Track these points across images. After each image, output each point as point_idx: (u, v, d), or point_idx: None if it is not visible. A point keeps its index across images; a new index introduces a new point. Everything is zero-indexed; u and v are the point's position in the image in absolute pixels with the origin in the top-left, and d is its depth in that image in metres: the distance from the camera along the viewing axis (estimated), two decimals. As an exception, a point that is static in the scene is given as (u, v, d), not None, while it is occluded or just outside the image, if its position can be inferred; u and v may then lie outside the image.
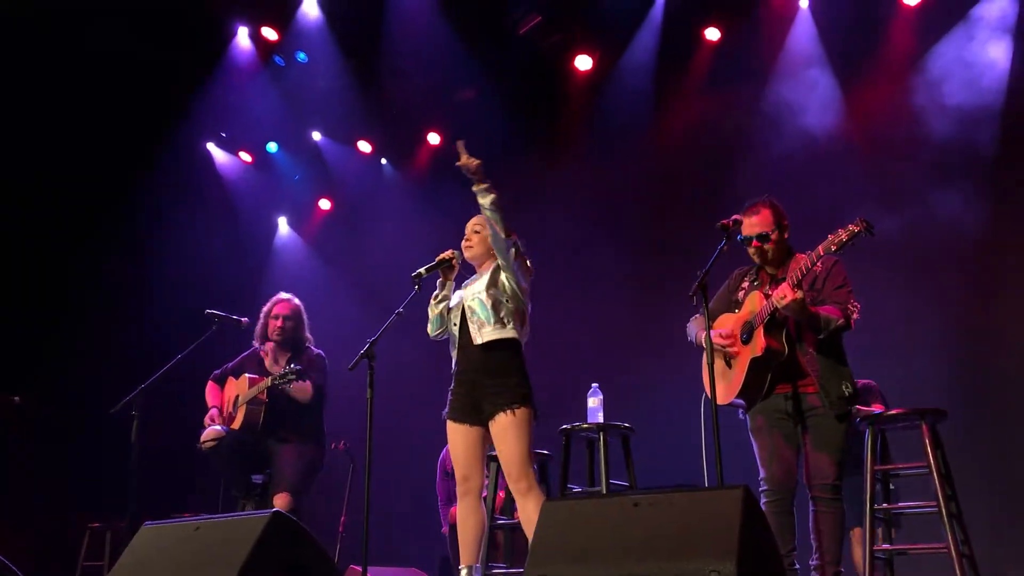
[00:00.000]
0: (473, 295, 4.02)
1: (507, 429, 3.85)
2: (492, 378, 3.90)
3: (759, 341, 3.83)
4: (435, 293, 4.15)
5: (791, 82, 7.00)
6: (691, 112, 7.42)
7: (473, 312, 3.97)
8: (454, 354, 4.09)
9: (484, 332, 3.93)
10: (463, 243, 4.15)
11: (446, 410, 4.05)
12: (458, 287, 4.19)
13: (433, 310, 4.14)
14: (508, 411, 3.85)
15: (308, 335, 5.42)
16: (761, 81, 7.12)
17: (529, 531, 3.76)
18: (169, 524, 3.56)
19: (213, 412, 5.28)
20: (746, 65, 7.17)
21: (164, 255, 7.65)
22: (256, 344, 5.40)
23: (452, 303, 4.13)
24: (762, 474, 3.91)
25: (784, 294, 3.68)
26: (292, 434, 5.16)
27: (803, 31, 7.03)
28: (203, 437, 5.12)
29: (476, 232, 4.14)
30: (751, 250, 4.01)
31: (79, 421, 6.93)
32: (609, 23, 7.36)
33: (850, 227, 3.63)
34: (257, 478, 5.16)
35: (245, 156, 8.74)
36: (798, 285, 3.74)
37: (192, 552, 3.24)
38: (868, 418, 4.13)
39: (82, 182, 7.34)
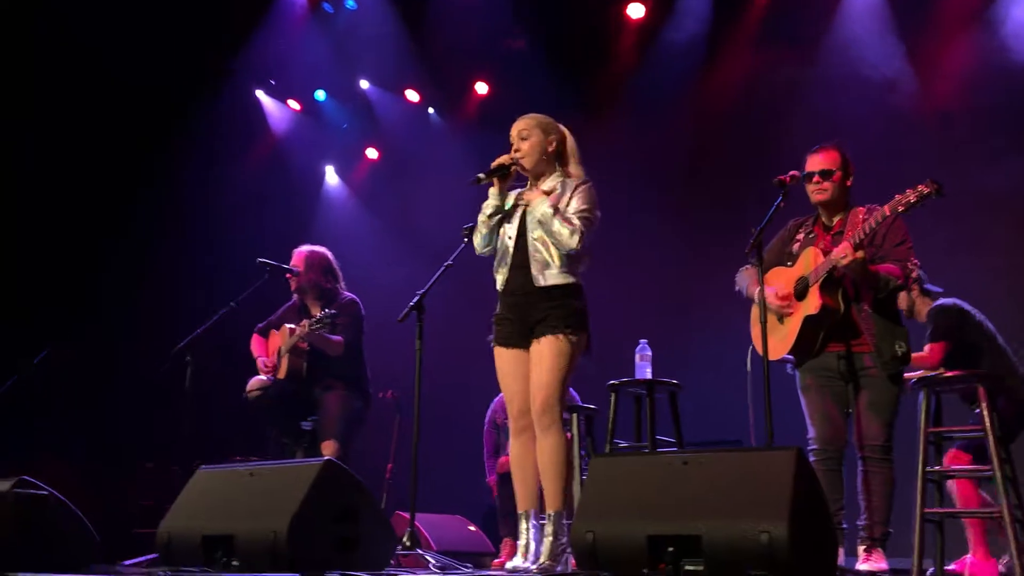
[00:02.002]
0: (536, 224, 3.61)
1: (548, 353, 3.51)
2: (550, 300, 3.57)
3: (815, 299, 3.76)
4: (487, 203, 3.73)
5: (850, 33, 6.79)
6: (745, 64, 7.25)
7: (537, 249, 3.60)
8: (503, 272, 3.69)
9: (548, 275, 3.59)
10: (514, 153, 3.73)
11: (492, 336, 3.73)
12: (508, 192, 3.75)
13: (485, 225, 3.73)
14: (560, 334, 3.50)
15: (338, 283, 5.35)
16: (819, 32, 6.92)
17: (545, 474, 3.53)
18: (223, 469, 3.63)
19: (261, 361, 5.34)
20: (803, 15, 6.96)
21: (214, 202, 7.71)
22: (296, 296, 5.45)
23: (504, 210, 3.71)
24: (811, 432, 3.88)
25: (845, 253, 3.60)
26: (337, 381, 5.21)
27: (865, -19, 6.81)
28: (248, 387, 5.21)
29: (524, 139, 3.72)
30: (811, 186, 3.90)
31: (128, 367, 7.06)
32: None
33: (920, 188, 3.51)
34: (306, 425, 5.24)
35: (294, 104, 8.75)
36: (860, 245, 3.65)
37: (246, 496, 3.31)
38: (923, 380, 4.06)
39: (132, 128, 7.39)
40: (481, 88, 8.50)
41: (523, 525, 3.64)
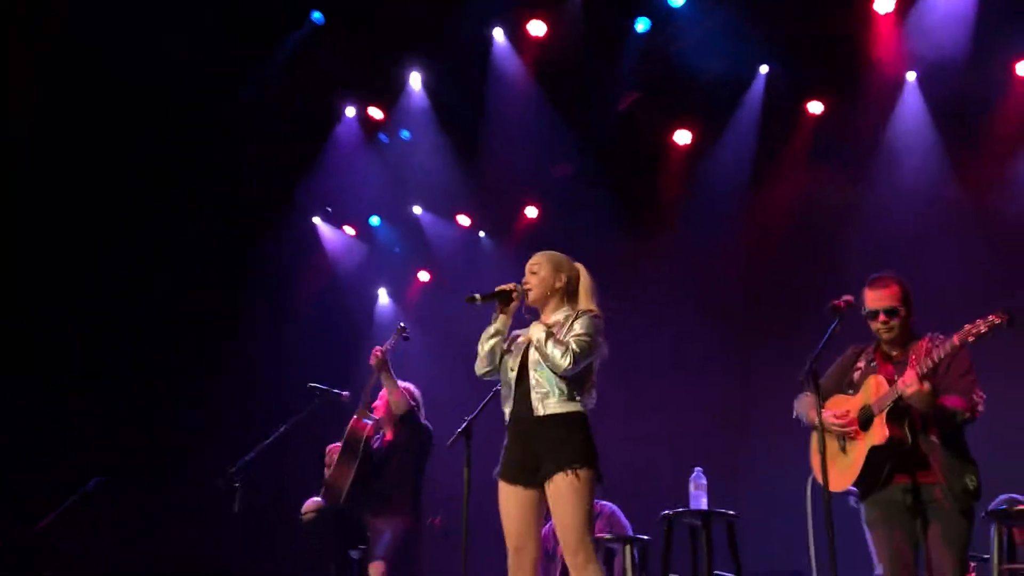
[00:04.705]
0: (537, 359, 3.67)
1: (565, 493, 3.51)
2: (553, 433, 3.59)
3: (881, 429, 3.63)
4: (488, 327, 3.82)
5: (898, 157, 6.83)
6: (793, 187, 7.29)
7: (538, 383, 3.66)
8: (509, 405, 3.76)
9: (548, 404, 3.63)
10: (524, 284, 3.84)
11: (498, 469, 3.74)
12: (515, 326, 3.83)
13: (483, 345, 3.79)
14: (569, 472, 3.52)
15: (416, 413, 5.44)
16: (866, 156, 6.98)
17: None
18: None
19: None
20: (850, 139, 7.04)
21: (270, 326, 7.83)
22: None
23: (507, 344, 3.80)
24: (878, 571, 3.72)
25: (911, 382, 3.50)
26: (386, 506, 5.17)
27: (911, 104, 6.87)
28: (304, 508, 5.21)
29: (533, 273, 3.84)
30: (877, 324, 3.80)
31: (178, 490, 7.05)
32: (710, 96, 7.34)
33: (991, 318, 3.39)
34: (354, 554, 5.16)
35: (349, 229, 8.97)
36: (927, 376, 3.54)
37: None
38: (994, 513, 3.88)
39: (194, 252, 7.63)
40: (531, 212, 8.65)
41: None
